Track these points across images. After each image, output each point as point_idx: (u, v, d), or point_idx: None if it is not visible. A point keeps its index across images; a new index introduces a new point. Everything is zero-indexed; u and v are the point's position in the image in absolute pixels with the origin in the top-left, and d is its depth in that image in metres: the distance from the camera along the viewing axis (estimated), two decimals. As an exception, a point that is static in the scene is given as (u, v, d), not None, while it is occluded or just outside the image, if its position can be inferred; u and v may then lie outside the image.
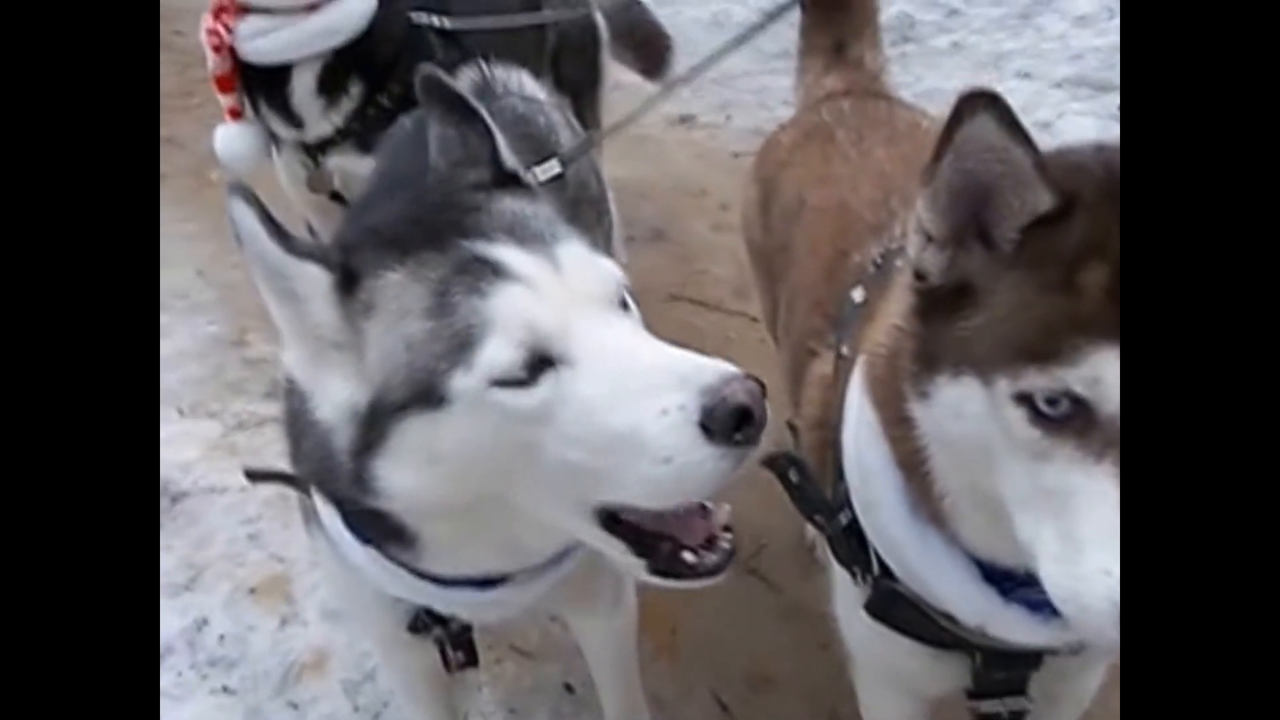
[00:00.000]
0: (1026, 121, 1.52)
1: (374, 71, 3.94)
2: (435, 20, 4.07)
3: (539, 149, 2.99)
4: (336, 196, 4.19)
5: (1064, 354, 1.45)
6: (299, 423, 1.97)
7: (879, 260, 2.28)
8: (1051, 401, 1.48)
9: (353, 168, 4.02)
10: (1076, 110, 6.10)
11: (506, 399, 1.69)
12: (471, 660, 2.41)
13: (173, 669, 3.53)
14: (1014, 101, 1.52)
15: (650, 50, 5.19)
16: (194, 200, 6.15)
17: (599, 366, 1.71)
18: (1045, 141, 1.59)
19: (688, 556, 1.83)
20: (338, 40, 3.87)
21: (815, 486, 2.06)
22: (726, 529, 1.85)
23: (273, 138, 4.15)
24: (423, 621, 2.31)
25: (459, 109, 2.12)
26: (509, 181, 2.04)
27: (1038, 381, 1.48)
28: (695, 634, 3.52)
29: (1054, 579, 1.53)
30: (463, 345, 1.70)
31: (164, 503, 4.16)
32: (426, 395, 1.72)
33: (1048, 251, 1.52)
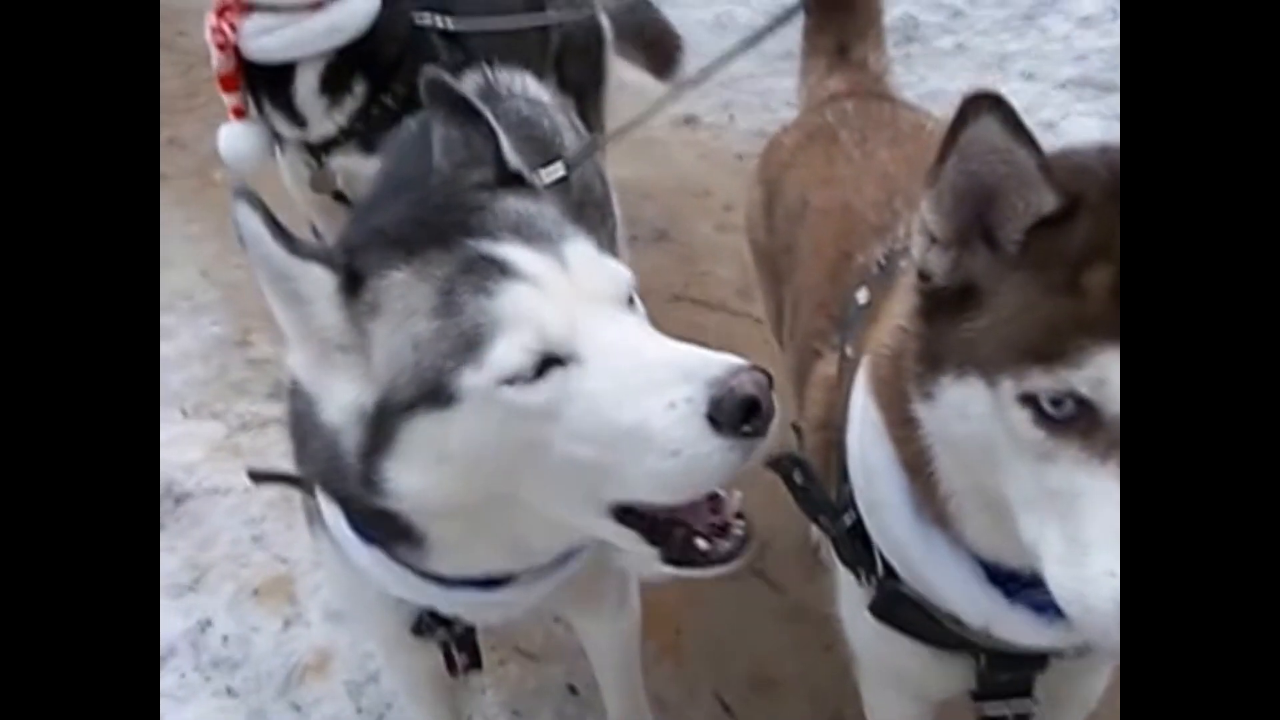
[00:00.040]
0: (1030, 123, 1.52)
1: (377, 71, 3.94)
2: (438, 21, 4.08)
3: (544, 151, 2.99)
4: (340, 197, 4.19)
5: (1069, 355, 1.45)
6: (305, 425, 1.96)
7: (883, 261, 2.28)
8: (1056, 402, 1.47)
9: (356, 168, 4.02)
10: (1080, 111, 6.09)
11: (515, 396, 1.69)
12: (475, 662, 2.41)
13: (176, 670, 3.54)
14: (1018, 103, 1.51)
15: (660, 50, 5.19)
16: (197, 201, 6.15)
17: (606, 363, 1.71)
18: (1049, 142, 1.58)
19: (701, 544, 1.83)
20: (341, 39, 3.87)
21: (819, 488, 2.06)
22: (739, 516, 1.85)
23: (276, 138, 4.14)
24: (426, 623, 2.31)
25: (463, 110, 2.12)
26: (513, 181, 2.04)
27: (1042, 383, 1.47)
28: (699, 635, 3.52)
29: (1059, 580, 1.53)
30: (471, 344, 1.70)
31: (167, 504, 4.17)
32: (434, 394, 1.72)
33: (1052, 252, 1.52)
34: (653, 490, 1.72)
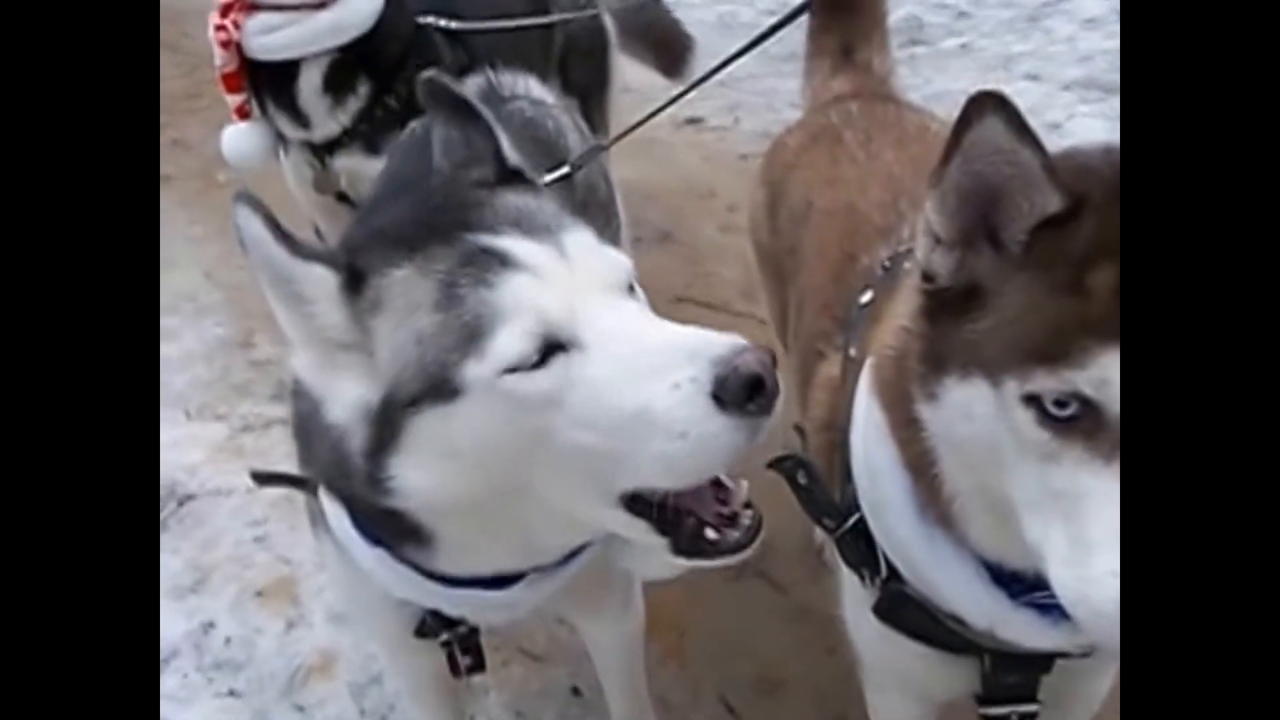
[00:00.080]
0: (1035, 123, 1.52)
1: (381, 71, 3.95)
2: (441, 21, 4.08)
3: (548, 152, 3.01)
4: (344, 198, 4.19)
5: (1073, 356, 1.45)
6: (309, 426, 1.96)
7: (887, 263, 2.28)
8: (1060, 403, 1.47)
9: (360, 169, 4.02)
10: (1085, 112, 6.09)
11: (518, 385, 1.69)
12: (479, 664, 2.41)
13: (178, 671, 3.54)
14: (1022, 104, 1.51)
15: (670, 49, 5.18)
16: (201, 202, 6.17)
17: (608, 349, 1.71)
18: (1054, 144, 1.58)
19: (710, 534, 1.82)
20: (345, 38, 3.87)
21: (823, 489, 2.06)
22: (747, 506, 1.85)
23: (280, 138, 4.15)
24: (430, 625, 2.31)
25: (462, 111, 2.13)
26: (513, 179, 2.05)
27: (1046, 383, 1.47)
28: (703, 637, 3.52)
29: (1063, 581, 1.52)
30: (473, 336, 1.70)
31: (170, 505, 4.17)
32: (439, 388, 1.72)
33: (1056, 253, 1.51)
34: (661, 474, 1.71)
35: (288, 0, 3.78)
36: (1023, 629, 1.84)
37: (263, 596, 3.82)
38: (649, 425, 1.65)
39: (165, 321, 5.14)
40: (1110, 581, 1.42)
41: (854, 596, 2.16)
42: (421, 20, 4.07)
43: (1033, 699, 2.06)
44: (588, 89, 4.77)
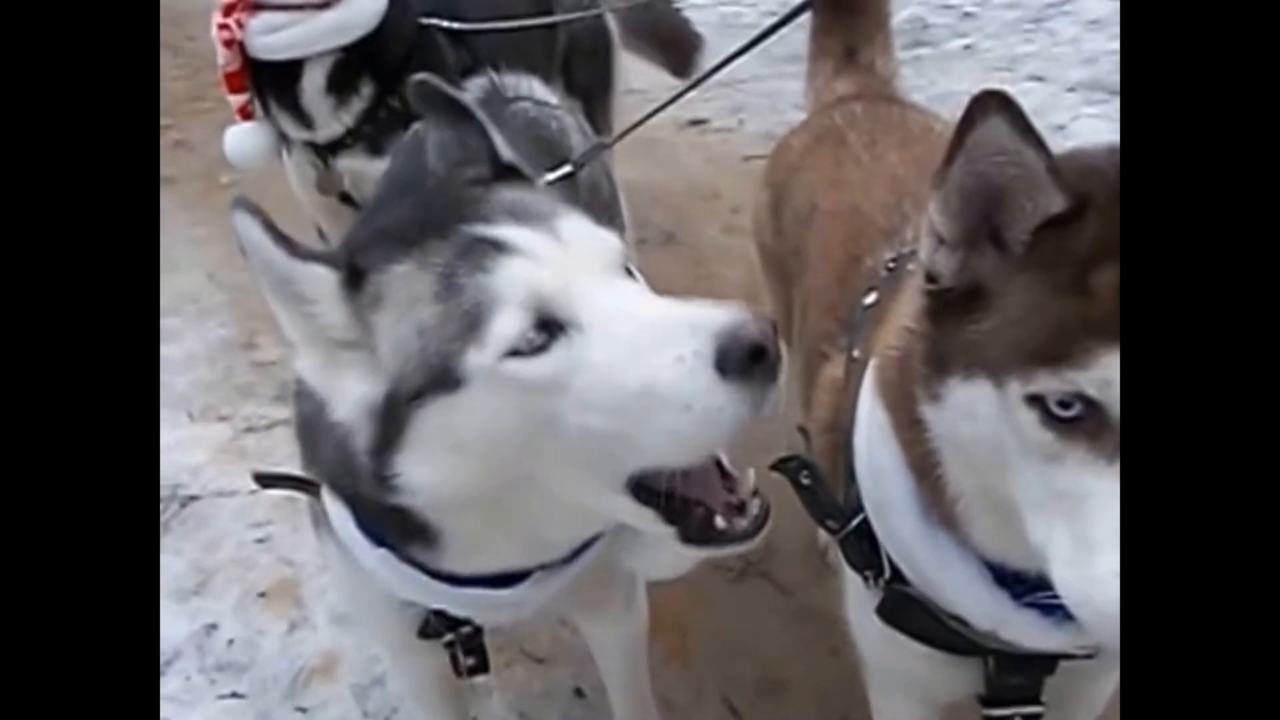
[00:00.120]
0: (1040, 125, 1.51)
1: (385, 72, 3.94)
2: (444, 22, 4.08)
3: (552, 152, 3.01)
4: (347, 199, 4.19)
5: (1076, 356, 1.44)
6: (314, 428, 1.97)
7: (892, 264, 2.27)
8: (1064, 404, 1.47)
9: (363, 170, 4.02)
10: (1090, 114, 6.09)
11: (520, 370, 1.68)
12: (482, 665, 2.40)
13: (181, 673, 3.55)
14: (1027, 105, 1.51)
15: (679, 48, 5.18)
16: (203, 204, 6.18)
17: (608, 328, 1.70)
18: (1059, 145, 1.58)
19: (719, 522, 1.82)
20: (349, 38, 3.88)
21: (827, 490, 2.06)
22: (754, 494, 1.84)
23: (283, 139, 4.15)
24: (433, 626, 2.30)
25: (454, 112, 2.14)
26: (508, 174, 2.06)
27: (1050, 384, 1.47)
28: (706, 638, 3.52)
29: (1066, 582, 1.52)
30: (473, 323, 1.69)
31: (173, 507, 4.18)
32: (442, 379, 1.71)
33: (1060, 253, 1.51)
34: (669, 451, 1.70)
35: (292, 0, 3.78)
36: (1026, 630, 1.84)
37: (266, 598, 3.83)
38: (654, 401, 1.65)
39: (168, 323, 5.16)
40: (1114, 582, 1.42)
41: (857, 598, 2.16)
42: (424, 21, 4.07)
43: (1036, 700, 2.05)
44: (591, 90, 4.77)
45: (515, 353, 1.68)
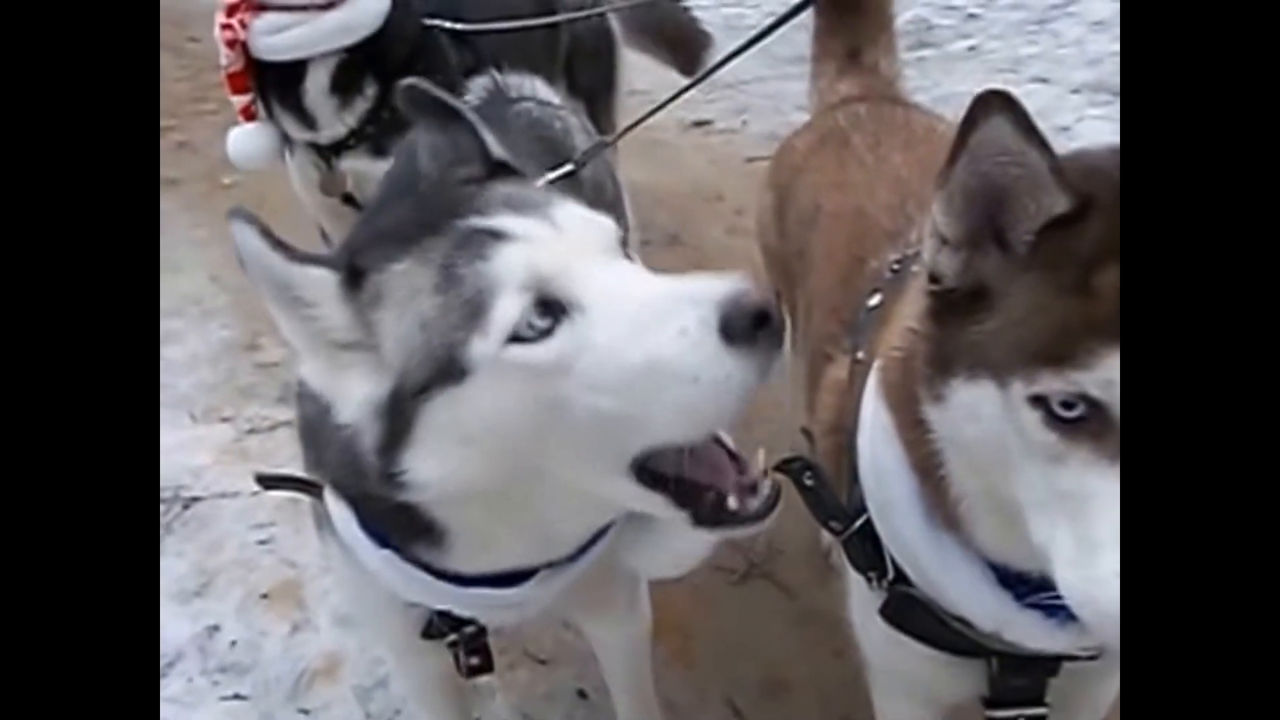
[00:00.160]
0: (1044, 126, 1.51)
1: (388, 72, 3.94)
2: (447, 23, 4.08)
3: (556, 152, 3.02)
4: (349, 200, 4.19)
5: (1079, 357, 1.44)
6: (317, 430, 1.97)
7: (895, 266, 2.27)
8: (1067, 404, 1.46)
9: (366, 171, 4.03)
10: (1094, 115, 6.09)
11: (524, 355, 1.68)
12: (486, 665, 2.40)
13: (183, 675, 3.55)
14: (1031, 106, 1.50)
15: (686, 46, 5.17)
16: (206, 205, 6.19)
17: (610, 307, 1.70)
18: (1063, 146, 1.58)
19: (732, 502, 1.82)
20: (353, 38, 3.88)
21: (830, 491, 2.05)
22: (765, 474, 1.84)
23: (286, 140, 4.15)
24: (437, 626, 2.30)
25: (444, 113, 2.15)
26: (501, 172, 2.06)
27: (1053, 384, 1.46)
28: (709, 640, 3.52)
29: (1069, 582, 1.52)
30: (475, 311, 1.69)
31: (175, 508, 4.19)
32: (447, 370, 1.71)
33: (1063, 254, 1.51)
34: (679, 425, 1.70)
35: (295, 0, 3.79)
36: (1029, 631, 1.83)
37: (268, 600, 3.83)
38: (661, 375, 1.64)
39: (170, 324, 5.17)
40: (1116, 582, 1.42)
41: (861, 599, 2.16)
42: (427, 22, 4.08)
43: (1040, 702, 2.05)
44: (594, 91, 4.77)
45: (519, 338, 1.68)
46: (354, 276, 1.79)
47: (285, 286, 1.78)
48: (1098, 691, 2.27)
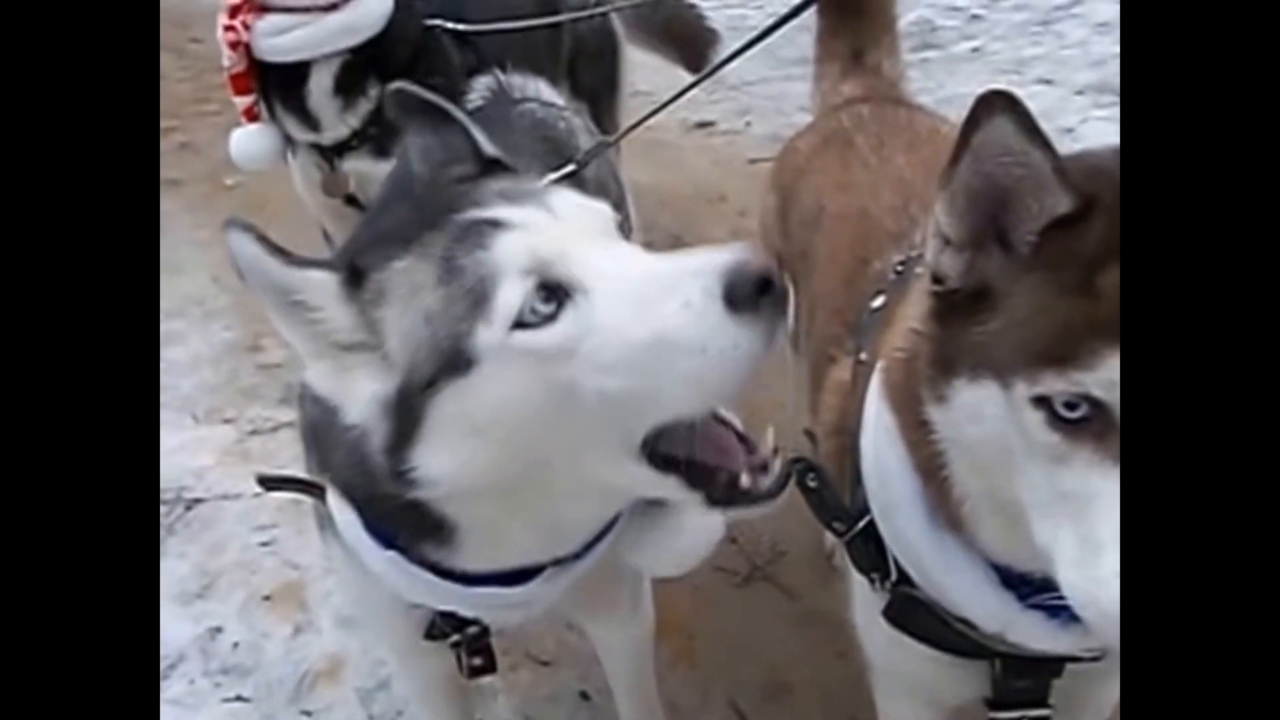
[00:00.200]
0: (1048, 128, 1.50)
1: (391, 74, 3.89)
2: (449, 24, 4.08)
3: (560, 153, 3.02)
4: (352, 201, 4.19)
5: (1082, 357, 1.44)
6: (322, 433, 1.98)
7: (899, 267, 2.27)
8: (1070, 405, 1.46)
9: (369, 172, 4.03)
10: (1099, 116, 6.08)
11: (530, 340, 1.68)
12: (489, 665, 2.40)
13: (185, 677, 3.55)
14: (1036, 107, 1.50)
15: (693, 43, 5.15)
16: (208, 206, 6.20)
17: (613, 287, 1.70)
18: (1067, 148, 1.58)
19: (744, 481, 1.82)
20: (356, 39, 3.89)
21: (833, 492, 2.05)
22: (775, 452, 1.84)
23: (288, 141, 4.15)
24: (439, 627, 2.30)
25: (433, 115, 2.17)
26: (493, 169, 2.08)
27: (1056, 385, 1.46)
28: (712, 641, 3.51)
29: (1072, 583, 1.52)
30: (478, 300, 1.69)
31: (178, 510, 4.19)
32: (454, 361, 1.71)
33: (1066, 254, 1.50)
34: (689, 399, 1.70)
35: (298, 2, 3.79)
36: (1033, 632, 1.83)
37: (270, 601, 3.83)
38: (668, 349, 1.64)
39: (172, 325, 5.18)
40: (1119, 582, 1.42)
41: (864, 600, 2.16)
42: (429, 22, 4.08)
43: (1044, 703, 2.05)
44: (597, 92, 4.77)
45: (523, 324, 1.68)
46: (355, 276, 1.79)
47: (286, 291, 1.78)
48: (1101, 693, 2.26)
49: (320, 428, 1.99)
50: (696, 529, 2.12)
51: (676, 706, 3.24)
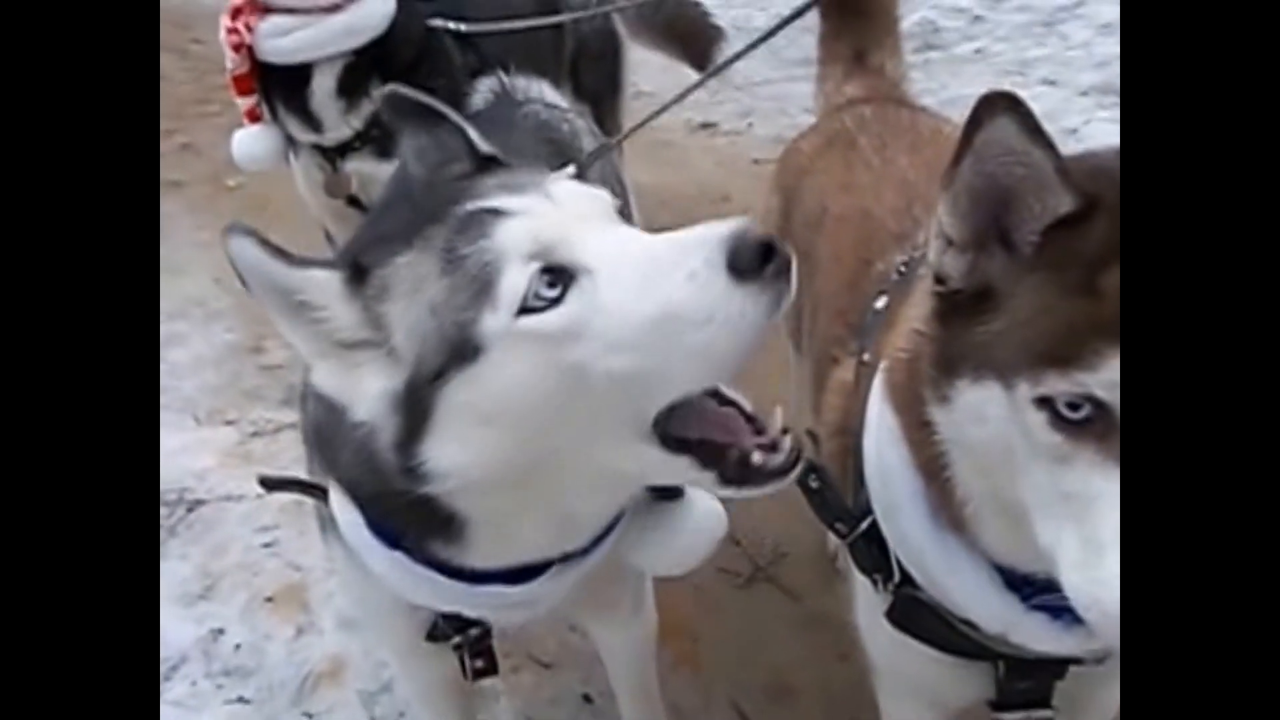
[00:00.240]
0: (1052, 129, 1.50)
1: (393, 74, 3.90)
2: (451, 24, 4.08)
3: (563, 155, 3.01)
4: (354, 202, 4.20)
5: (1084, 358, 1.43)
6: (327, 433, 1.98)
7: (902, 268, 2.27)
8: (1073, 405, 1.46)
9: (372, 173, 4.04)
10: (1102, 117, 6.09)
11: (536, 324, 1.68)
12: (491, 667, 2.40)
13: (187, 678, 3.54)
14: (1039, 108, 1.50)
15: (697, 41, 5.13)
16: (210, 207, 6.20)
17: (617, 267, 1.70)
18: (1070, 149, 1.58)
19: (756, 458, 1.81)
20: (359, 41, 3.90)
21: (836, 494, 2.05)
22: (784, 431, 1.84)
23: (290, 142, 4.15)
24: (441, 629, 2.30)
25: (427, 116, 2.18)
26: (490, 165, 2.08)
27: (1058, 385, 1.46)
28: (715, 643, 3.51)
29: (1075, 584, 1.51)
30: (483, 287, 1.69)
31: (179, 511, 4.18)
32: (461, 351, 1.71)
33: (1068, 254, 1.50)
34: (699, 372, 1.70)
35: (300, 3, 3.79)
36: (1035, 633, 1.83)
37: (272, 603, 3.82)
38: (676, 322, 1.65)
39: (174, 327, 5.19)
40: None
41: (866, 602, 2.16)
42: (431, 23, 4.08)
43: (1046, 705, 2.05)
44: (600, 93, 4.77)
45: (529, 309, 1.68)
46: (357, 274, 1.79)
47: (289, 292, 1.78)
48: (1104, 694, 2.26)
49: (325, 428, 1.98)
50: (698, 528, 2.12)
51: (679, 708, 3.24)
